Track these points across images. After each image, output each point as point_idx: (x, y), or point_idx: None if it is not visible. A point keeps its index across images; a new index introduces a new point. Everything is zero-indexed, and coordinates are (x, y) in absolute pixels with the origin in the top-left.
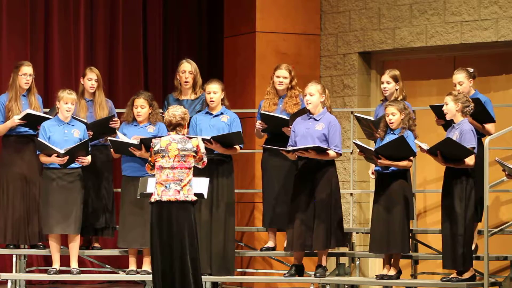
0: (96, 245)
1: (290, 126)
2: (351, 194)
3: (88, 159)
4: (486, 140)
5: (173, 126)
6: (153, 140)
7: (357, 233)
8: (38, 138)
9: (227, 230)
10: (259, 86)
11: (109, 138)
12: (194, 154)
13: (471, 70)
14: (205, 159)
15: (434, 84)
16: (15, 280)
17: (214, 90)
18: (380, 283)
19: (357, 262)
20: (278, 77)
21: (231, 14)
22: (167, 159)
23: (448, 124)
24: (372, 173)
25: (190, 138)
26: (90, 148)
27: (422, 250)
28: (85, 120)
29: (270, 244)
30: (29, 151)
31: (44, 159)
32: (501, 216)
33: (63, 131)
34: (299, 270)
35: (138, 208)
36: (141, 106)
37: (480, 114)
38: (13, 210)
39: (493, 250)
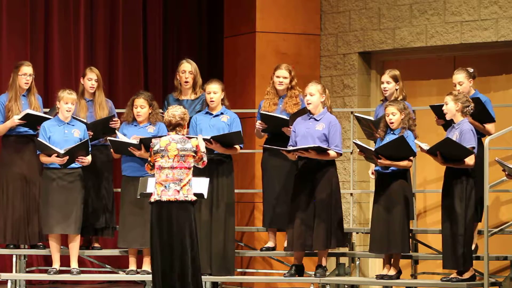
0: (96, 245)
1: (290, 126)
2: (351, 194)
3: (88, 159)
4: (486, 140)
5: (172, 126)
6: (153, 140)
7: (357, 233)
8: (38, 138)
9: (227, 230)
10: (259, 86)
11: (108, 138)
12: (193, 154)
13: (471, 70)
14: (205, 158)
15: (434, 84)
16: (15, 280)
17: (214, 90)
18: (380, 283)
19: (357, 262)
20: (278, 77)
21: (231, 14)
22: (167, 159)
23: (448, 124)
24: (372, 173)
25: (189, 138)
26: (90, 148)
27: (422, 250)
28: (85, 120)
29: (270, 244)
30: (29, 151)
31: (44, 159)
32: (501, 216)
33: (63, 131)
34: (299, 270)
35: (138, 208)
36: (141, 106)
37: (480, 114)
38: (13, 210)
39: (493, 250)
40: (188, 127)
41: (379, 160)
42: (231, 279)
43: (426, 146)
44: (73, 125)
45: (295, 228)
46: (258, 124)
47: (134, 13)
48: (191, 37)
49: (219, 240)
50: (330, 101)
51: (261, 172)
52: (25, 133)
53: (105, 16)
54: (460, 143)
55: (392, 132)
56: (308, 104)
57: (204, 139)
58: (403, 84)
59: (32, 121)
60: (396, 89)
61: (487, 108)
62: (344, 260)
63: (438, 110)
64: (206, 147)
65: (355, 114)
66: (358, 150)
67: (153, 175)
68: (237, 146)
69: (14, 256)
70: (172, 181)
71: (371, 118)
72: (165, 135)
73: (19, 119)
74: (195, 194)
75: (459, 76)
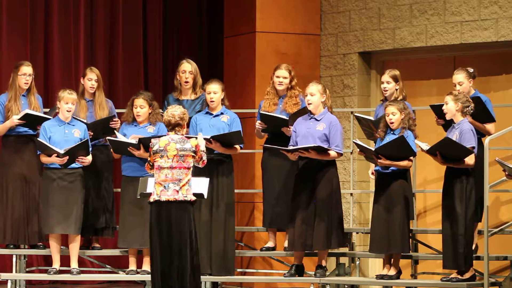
0: (96, 245)
1: (290, 126)
2: (351, 194)
3: (88, 159)
4: (486, 140)
5: (172, 126)
6: (152, 140)
7: (357, 233)
8: (38, 138)
9: (227, 230)
10: (259, 86)
11: (108, 137)
12: (193, 154)
13: (471, 70)
14: (204, 158)
15: (434, 84)
16: (15, 280)
17: (214, 90)
18: (380, 283)
19: (357, 262)
20: (278, 77)
21: (231, 14)
22: (166, 159)
23: (448, 124)
24: (372, 173)
25: (189, 138)
26: (91, 148)
27: (422, 250)
28: (85, 121)
29: (270, 244)
30: (28, 151)
31: (44, 159)
32: (501, 216)
33: (64, 131)
34: (299, 270)
35: (138, 208)
36: (141, 106)
37: (481, 113)
38: (13, 210)
39: (493, 250)
40: (188, 127)
41: (379, 160)
42: (231, 279)
43: (426, 146)
44: (73, 125)
45: (296, 227)
46: (258, 124)
47: (134, 13)
48: (191, 37)
49: (219, 240)
50: (330, 101)
51: (261, 172)
52: (25, 133)
53: (105, 16)
54: (459, 143)
55: (392, 132)
56: (308, 104)
57: (204, 139)
58: (403, 84)
59: (32, 121)
60: (396, 89)
61: (488, 108)
62: (344, 260)
63: (438, 110)
64: (206, 147)
65: (355, 114)
66: (358, 150)
67: (153, 175)
68: (237, 146)
69: (14, 256)
70: (171, 181)
71: (371, 118)
72: (165, 135)
73: (18, 119)
74: (195, 194)
75: (459, 76)
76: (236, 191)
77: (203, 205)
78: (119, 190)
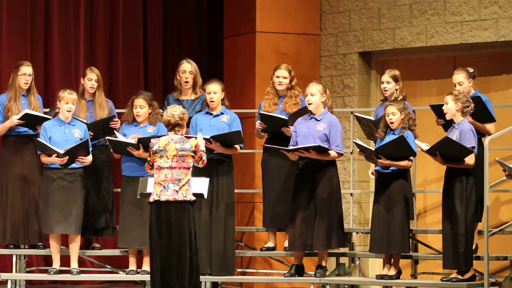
0: (96, 245)
1: (290, 126)
2: (351, 194)
3: (89, 159)
4: (486, 140)
5: (171, 126)
6: (152, 140)
7: (357, 233)
8: (38, 139)
9: (227, 230)
10: (259, 86)
11: (107, 137)
12: (192, 154)
13: (471, 70)
14: (204, 158)
15: (434, 84)
16: (15, 280)
17: (214, 90)
18: (380, 283)
19: (357, 262)
20: (278, 77)
21: (231, 14)
22: (166, 159)
23: (448, 124)
24: (372, 173)
25: (188, 138)
26: (91, 148)
27: (422, 250)
28: (85, 121)
29: (270, 244)
30: (28, 151)
31: (44, 159)
32: (501, 216)
33: (64, 131)
34: (299, 270)
35: (137, 208)
36: (141, 106)
37: (481, 113)
38: (12, 210)
39: (493, 250)
40: (188, 127)
41: (379, 160)
42: (231, 279)
43: (426, 146)
44: (73, 125)
45: (296, 227)
46: (258, 124)
47: (134, 13)
48: (191, 37)
49: (219, 240)
50: (331, 101)
51: (261, 172)
52: (25, 133)
53: (105, 16)
54: (459, 143)
55: (392, 132)
56: (309, 104)
57: (204, 139)
58: (403, 84)
59: (31, 121)
60: (396, 89)
61: (488, 108)
62: (344, 260)
63: (438, 110)
64: (206, 147)
65: (355, 114)
66: (358, 150)
67: (153, 175)
68: (237, 146)
69: (14, 256)
70: (171, 181)
71: (371, 118)
72: (164, 135)
73: (18, 119)
74: (195, 194)
75: (459, 76)
76: (236, 191)
77: (203, 205)
78: (119, 190)
